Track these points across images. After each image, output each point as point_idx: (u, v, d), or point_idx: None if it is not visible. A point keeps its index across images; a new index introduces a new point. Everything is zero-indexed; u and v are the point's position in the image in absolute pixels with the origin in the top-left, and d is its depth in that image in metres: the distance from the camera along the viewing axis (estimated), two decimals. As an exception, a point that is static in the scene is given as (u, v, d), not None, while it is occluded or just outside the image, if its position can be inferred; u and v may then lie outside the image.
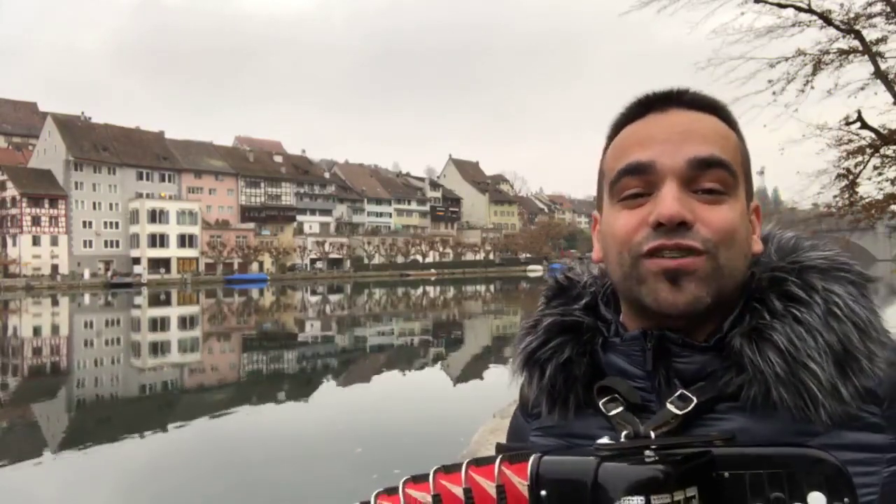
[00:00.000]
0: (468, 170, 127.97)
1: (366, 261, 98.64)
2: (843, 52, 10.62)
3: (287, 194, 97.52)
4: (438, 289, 65.04)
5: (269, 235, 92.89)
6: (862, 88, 10.54)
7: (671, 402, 0.69)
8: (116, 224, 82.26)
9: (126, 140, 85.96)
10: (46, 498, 8.60)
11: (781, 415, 0.66)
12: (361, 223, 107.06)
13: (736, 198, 0.72)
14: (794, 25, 10.45)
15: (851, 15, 10.28)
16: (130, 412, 13.56)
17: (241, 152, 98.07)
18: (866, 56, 10.32)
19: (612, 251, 0.75)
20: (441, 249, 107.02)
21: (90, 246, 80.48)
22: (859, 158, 11.03)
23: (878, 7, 10.24)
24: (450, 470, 0.68)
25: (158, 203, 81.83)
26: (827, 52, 10.64)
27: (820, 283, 0.69)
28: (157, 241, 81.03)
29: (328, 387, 16.06)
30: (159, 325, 34.25)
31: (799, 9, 10.33)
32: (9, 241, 76.25)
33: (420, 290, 61.85)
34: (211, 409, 13.06)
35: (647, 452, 0.61)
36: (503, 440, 0.83)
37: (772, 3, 10.35)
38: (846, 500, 0.57)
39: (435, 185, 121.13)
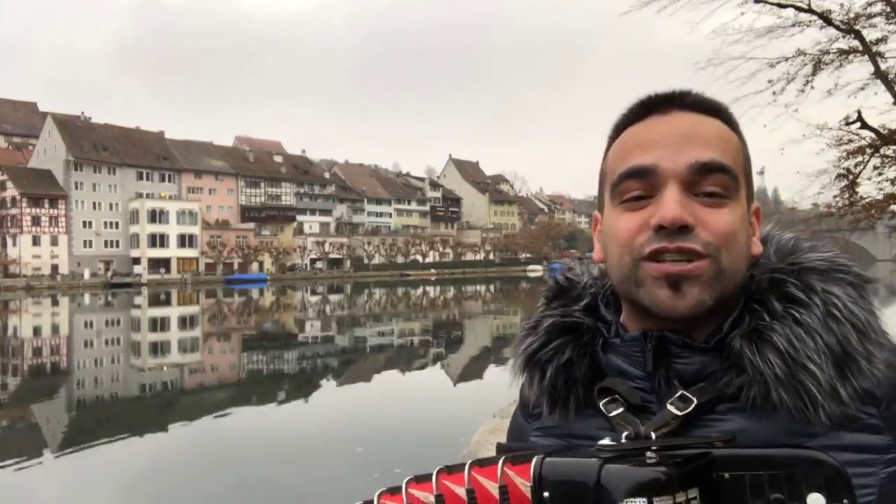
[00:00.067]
0: (468, 170, 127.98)
1: (366, 261, 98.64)
2: (843, 52, 10.62)
3: (287, 194, 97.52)
4: (438, 289, 65.03)
5: (269, 235, 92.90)
6: (862, 88, 10.55)
7: (671, 403, 0.69)
8: (116, 224, 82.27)
9: (126, 140, 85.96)
10: (46, 498, 8.60)
11: (781, 416, 0.66)
12: (361, 223, 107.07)
13: (737, 201, 0.72)
14: (794, 25, 10.45)
15: (851, 15, 10.28)
16: (130, 412, 13.56)
17: (241, 152, 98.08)
18: (866, 56, 10.32)
19: (612, 252, 0.75)
20: (441, 249, 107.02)
21: (90, 246, 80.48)
22: (859, 158, 11.03)
23: (878, 7, 10.24)
24: (452, 470, 0.68)
25: (158, 203, 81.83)
26: (827, 52, 10.64)
27: (819, 285, 0.70)
28: (157, 241, 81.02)
29: (328, 387, 16.06)
30: (159, 325, 34.25)
31: (799, 9, 10.33)
32: (9, 241, 76.25)
33: (420, 290, 61.84)
34: (211, 409, 13.06)
35: (649, 454, 0.61)
36: (503, 440, 0.84)
37: (772, 3, 10.35)
38: (845, 501, 0.58)
39: (435, 185, 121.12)
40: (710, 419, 0.69)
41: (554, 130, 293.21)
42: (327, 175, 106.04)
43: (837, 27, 10.40)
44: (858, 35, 10.29)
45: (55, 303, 51.95)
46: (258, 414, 13.21)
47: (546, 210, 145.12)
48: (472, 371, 17.53)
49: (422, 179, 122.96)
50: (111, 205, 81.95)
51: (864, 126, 10.71)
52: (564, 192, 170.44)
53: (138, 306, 47.53)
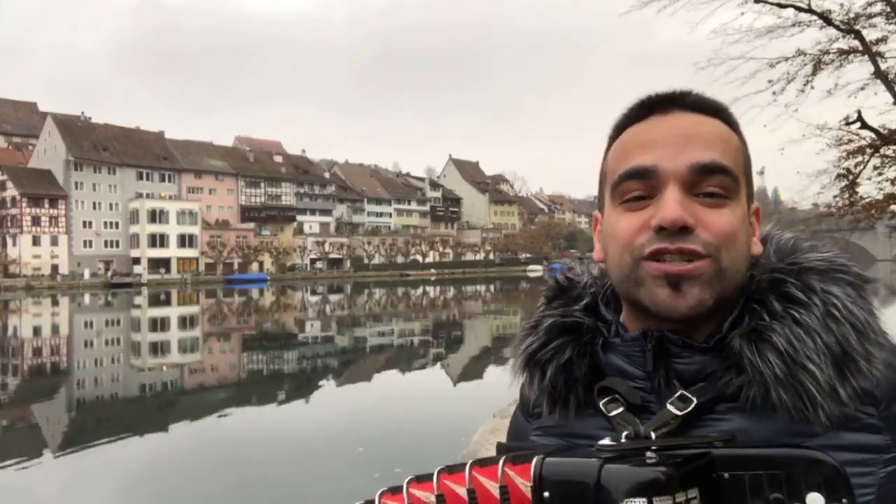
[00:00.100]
0: (468, 170, 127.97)
1: (366, 261, 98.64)
2: (843, 52, 10.61)
3: (287, 194, 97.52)
4: (438, 289, 65.03)
5: (269, 235, 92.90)
6: (862, 88, 10.54)
7: (671, 403, 0.69)
8: (116, 224, 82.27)
9: (126, 140, 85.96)
10: (46, 498, 8.60)
11: (780, 416, 0.66)
12: (361, 223, 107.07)
13: (737, 201, 0.72)
14: (794, 25, 10.45)
15: (851, 15, 10.28)
16: (130, 412, 13.56)
17: (241, 152, 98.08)
18: (866, 56, 10.31)
19: (613, 252, 0.75)
20: (441, 249, 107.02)
21: (90, 246, 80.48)
22: (859, 158, 11.02)
23: (878, 7, 10.24)
24: (453, 470, 0.69)
25: (158, 203, 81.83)
26: (827, 52, 10.64)
27: (819, 285, 0.70)
28: (157, 241, 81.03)
29: (328, 387, 16.06)
30: (159, 325, 34.25)
31: (799, 9, 10.32)
32: (9, 241, 76.25)
33: (420, 290, 61.84)
34: (211, 409, 13.07)
35: (649, 454, 0.62)
36: (503, 440, 0.83)
37: (772, 3, 10.35)
38: (844, 500, 0.58)
39: (435, 185, 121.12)
40: (710, 419, 0.69)
41: (554, 130, 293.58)
42: (327, 175, 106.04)
43: (837, 27, 10.39)
44: (858, 35, 10.29)
45: (55, 303, 51.95)
46: (258, 414, 13.21)
47: (546, 210, 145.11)
48: (472, 371, 17.53)
49: (422, 179, 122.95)
50: (111, 205, 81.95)
51: (864, 126, 10.71)
52: (564, 192, 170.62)
53: (138, 306, 47.53)
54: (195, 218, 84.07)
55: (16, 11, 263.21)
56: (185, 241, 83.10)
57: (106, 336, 28.90)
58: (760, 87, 10.57)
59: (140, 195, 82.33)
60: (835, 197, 11.44)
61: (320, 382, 16.59)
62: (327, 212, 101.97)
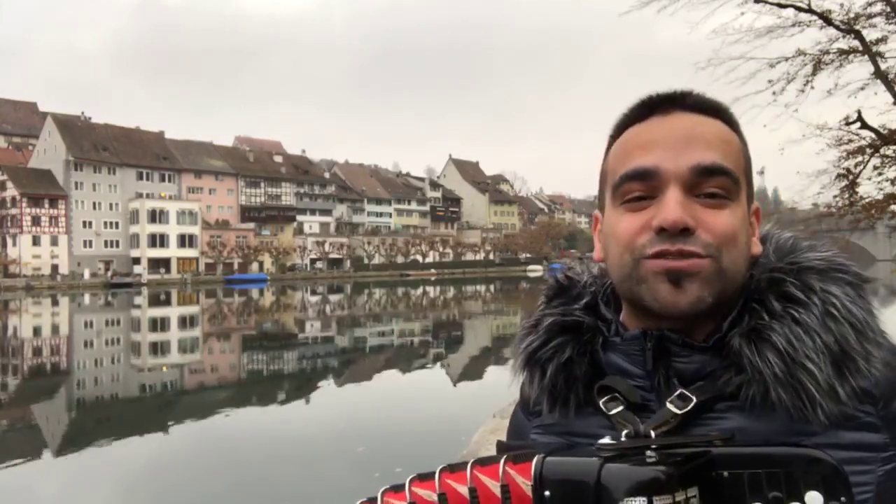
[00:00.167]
0: (468, 170, 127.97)
1: (366, 261, 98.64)
2: (843, 52, 10.61)
3: (287, 194, 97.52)
4: (438, 289, 65.04)
5: (269, 235, 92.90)
6: (862, 88, 10.53)
7: (671, 402, 0.70)
8: (116, 224, 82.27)
9: (126, 140, 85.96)
10: (46, 498, 8.60)
11: (779, 414, 0.67)
12: (361, 223, 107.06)
13: (738, 202, 0.73)
14: (794, 25, 10.44)
15: (851, 15, 10.27)
16: (130, 412, 13.57)
17: (241, 152, 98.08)
18: (866, 56, 10.30)
19: (613, 252, 0.76)
20: (441, 249, 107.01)
21: (90, 246, 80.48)
22: (859, 158, 11.01)
23: (878, 7, 10.23)
24: (455, 469, 0.69)
25: (158, 203, 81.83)
26: (827, 52, 10.63)
27: (818, 284, 0.70)
28: (157, 241, 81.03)
29: (329, 386, 16.06)
30: (159, 325, 34.26)
31: (799, 9, 10.32)
32: (9, 241, 76.24)
33: (420, 290, 61.85)
34: (211, 409, 13.07)
35: (649, 453, 0.62)
36: (504, 439, 0.84)
37: (772, 3, 10.34)
38: (843, 499, 0.58)
39: (435, 185, 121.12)
40: (710, 418, 0.69)
41: (554, 130, 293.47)
42: (327, 175, 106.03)
43: (837, 27, 10.39)
44: (858, 35, 10.28)
45: (55, 303, 51.96)
46: (259, 414, 13.22)
47: (546, 210, 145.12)
48: (472, 371, 17.53)
49: (422, 179, 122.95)
50: (111, 205, 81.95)
51: (864, 126, 10.70)
52: (564, 192, 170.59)
53: (138, 306, 47.53)
54: (195, 218, 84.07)
55: (16, 11, 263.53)
56: (185, 241, 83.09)
57: (106, 336, 28.90)
58: (760, 87, 10.56)
59: (140, 195, 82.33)
60: (835, 197, 11.44)
61: (320, 382, 16.59)
62: (327, 212, 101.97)
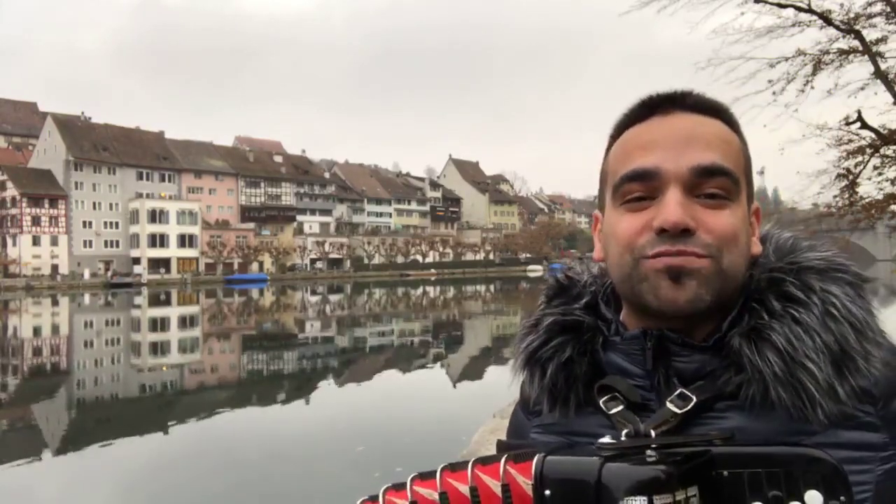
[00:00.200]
0: (468, 170, 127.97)
1: (366, 261, 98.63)
2: (843, 52, 10.61)
3: (287, 194, 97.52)
4: (438, 289, 65.04)
5: (269, 235, 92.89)
6: (862, 88, 10.53)
7: (671, 401, 0.70)
8: (116, 224, 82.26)
9: (126, 140, 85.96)
10: (46, 498, 8.60)
11: (779, 414, 0.67)
12: (361, 223, 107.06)
13: (738, 202, 0.73)
14: (794, 25, 10.44)
15: (851, 15, 10.27)
16: (130, 412, 13.57)
17: (241, 152, 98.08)
18: (866, 56, 10.30)
19: (613, 252, 0.76)
20: (441, 249, 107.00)
21: (90, 246, 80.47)
22: (859, 158, 11.01)
23: (878, 7, 10.23)
24: (456, 468, 0.69)
25: (158, 203, 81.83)
26: (827, 52, 10.63)
27: (818, 284, 0.70)
28: (157, 241, 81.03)
29: (329, 386, 16.07)
30: (159, 325, 34.26)
31: (799, 9, 10.32)
32: (9, 241, 76.24)
33: (420, 290, 61.85)
34: (211, 409, 13.07)
35: (649, 452, 0.62)
36: (504, 439, 0.84)
37: (772, 3, 10.34)
38: (842, 498, 0.58)
39: (435, 185, 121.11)
40: (710, 417, 0.70)
41: (554, 130, 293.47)
42: (327, 175, 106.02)
43: (837, 27, 10.39)
44: (858, 35, 10.28)
45: (55, 303, 51.96)
46: (259, 413, 13.22)
47: (546, 210, 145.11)
48: (472, 371, 17.54)
49: (422, 179, 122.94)
50: (111, 205, 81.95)
51: (864, 126, 10.70)
52: (564, 192, 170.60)
53: (138, 306, 47.53)
54: (195, 218, 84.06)
55: (16, 11, 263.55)
56: (185, 241, 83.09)
57: (106, 336, 28.90)
58: (760, 87, 10.56)
59: (140, 195, 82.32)
60: (835, 197, 11.44)
61: (321, 382, 16.60)
62: (327, 212, 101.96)
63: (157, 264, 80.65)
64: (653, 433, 0.68)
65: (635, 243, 0.72)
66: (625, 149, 0.76)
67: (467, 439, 6.22)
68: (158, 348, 24.29)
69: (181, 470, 9.30)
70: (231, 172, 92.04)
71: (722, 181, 0.71)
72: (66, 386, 16.99)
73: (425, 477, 0.70)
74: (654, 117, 0.75)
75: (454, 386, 15.79)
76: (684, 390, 0.70)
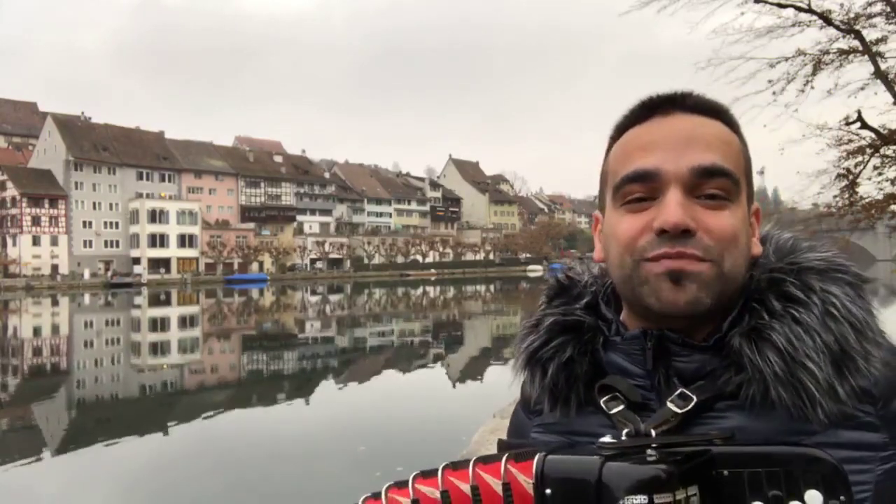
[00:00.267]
0: (468, 170, 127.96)
1: (366, 261, 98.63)
2: (843, 52, 10.61)
3: (287, 194, 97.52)
4: (438, 289, 65.04)
5: (269, 235, 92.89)
6: (862, 88, 10.53)
7: (671, 401, 0.70)
8: (116, 224, 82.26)
9: (126, 140, 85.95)
10: (46, 498, 8.60)
11: (779, 413, 0.67)
12: (361, 223, 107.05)
13: (738, 203, 0.73)
14: (794, 25, 10.44)
15: (851, 15, 10.27)
16: (130, 412, 13.57)
17: (241, 152, 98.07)
18: (866, 56, 10.31)
19: (613, 253, 0.76)
20: (441, 249, 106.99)
21: (90, 246, 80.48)
22: (859, 158, 11.02)
23: (878, 7, 10.23)
24: (458, 467, 0.70)
25: (158, 203, 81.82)
26: (827, 52, 10.63)
27: (818, 284, 0.71)
28: (157, 241, 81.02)
29: (329, 386, 16.07)
30: (159, 325, 34.26)
31: (799, 9, 10.32)
32: (9, 241, 76.23)
33: (420, 290, 61.85)
34: (212, 409, 13.08)
35: (649, 451, 0.62)
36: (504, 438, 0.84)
37: (772, 3, 10.34)
38: (842, 497, 0.59)
39: (435, 185, 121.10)
40: (710, 417, 0.70)
41: (554, 130, 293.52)
42: (327, 175, 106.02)
43: (837, 27, 10.39)
44: (858, 35, 10.28)
45: (55, 303, 51.96)
46: (259, 413, 13.23)
47: (546, 210, 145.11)
48: (472, 371, 17.54)
49: (422, 179, 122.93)
50: (111, 205, 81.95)
51: (864, 126, 10.70)
52: (564, 192, 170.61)
53: (138, 306, 47.54)
54: (195, 218, 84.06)
55: (16, 11, 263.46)
56: (185, 241, 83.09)
57: (106, 336, 28.91)
58: (760, 87, 10.57)
59: (140, 195, 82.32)
60: (835, 197, 11.44)
61: (321, 382, 16.60)
62: (327, 212, 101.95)
63: (157, 264, 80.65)
64: (653, 433, 0.68)
65: (636, 244, 0.72)
66: (625, 150, 0.76)
67: (467, 439, 6.23)
68: (158, 348, 24.29)
69: (181, 470, 9.30)
70: (231, 172, 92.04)
71: (722, 182, 0.72)
72: (66, 386, 17.00)
73: (427, 475, 0.70)
74: (655, 118, 0.76)
75: (454, 386, 15.79)
76: (685, 390, 0.71)
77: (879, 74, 10.22)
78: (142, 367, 20.00)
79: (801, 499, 0.59)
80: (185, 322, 35.66)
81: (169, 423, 12.00)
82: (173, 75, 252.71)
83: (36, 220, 76.30)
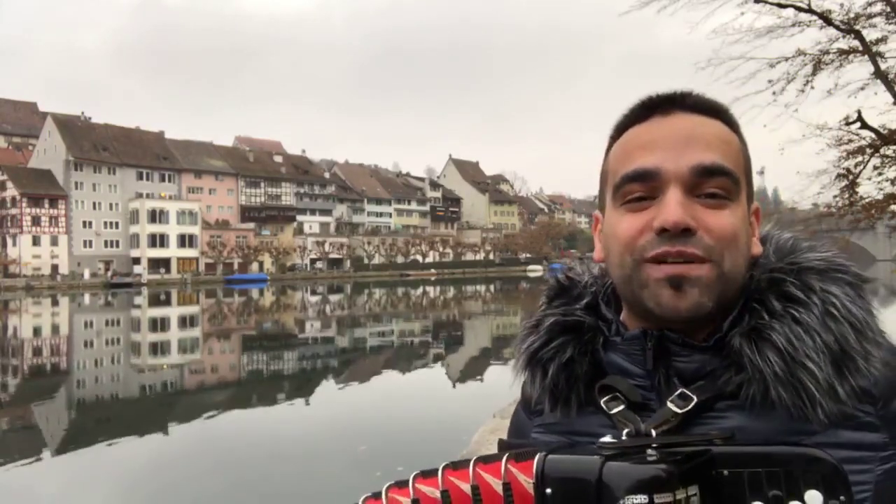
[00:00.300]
0: (468, 170, 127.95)
1: (366, 261, 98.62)
2: (843, 52, 10.61)
3: (287, 194, 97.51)
4: (438, 289, 65.03)
5: (269, 235, 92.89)
6: (862, 88, 10.53)
7: (671, 401, 0.70)
8: (116, 224, 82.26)
9: (126, 140, 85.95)
10: (46, 498, 8.60)
11: (779, 413, 0.67)
12: (361, 223, 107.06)
13: (738, 202, 0.73)
14: (794, 25, 10.44)
15: (851, 15, 10.27)
16: (130, 412, 13.57)
17: (241, 152, 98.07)
18: (866, 56, 10.31)
19: (614, 253, 0.76)
20: (441, 249, 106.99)
21: (90, 246, 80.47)
22: (859, 158, 11.02)
23: (878, 7, 10.23)
24: (458, 466, 0.70)
25: (158, 203, 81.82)
26: (827, 52, 10.63)
27: (818, 284, 0.71)
28: (157, 241, 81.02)
29: (329, 386, 16.07)
30: (159, 325, 34.26)
31: (799, 9, 10.32)
32: (9, 241, 76.24)
33: (420, 290, 61.85)
34: (212, 409, 13.07)
35: (649, 451, 0.62)
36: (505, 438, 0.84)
37: (772, 3, 10.34)
38: (842, 497, 0.59)
39: (435, 185, 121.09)
40: (710, 417, 0.70)
41: (554, 130, 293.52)
42: (327, 175, 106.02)
43: (837, 27, 10.39)
44: (858, 35, 10.28)
45: (55, 303, 51.95)
46: (259, 413, 13.23)
47: (546, 210, 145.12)
48: (472, 371, 17.54)
49: (422, 179, 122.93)
50: (111, 205, 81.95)
51: (864, 126, 10.70)
52: (564, 192, 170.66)
53: (138, 306, 47.54)
54: (195, 218, 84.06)
55: (16, 11, 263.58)
56: (185, 241, 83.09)
57: (106, 336, 28.91)
58: (760, 87, 10.57)
59: (140, 195, 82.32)
60: (835, 197, 11.45)
61: (321, 382, 16.60)
62: (327, 212, 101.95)
63: (157, 264, 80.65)
64: (653, 433, 0.68)
65: (636, 243, 0.72)
66: (625, 149, 0.76)
67: (468, 439, 6.23)
68: (158, 348, 24.29)
69: (181, 470, 9.30)
70: (231, 172, 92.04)
71: (722, 181, 0.72)
72: (66, 386, 17.00)
73: (427, 475, 0.70)
74: (655, 118, 0.76)
75: (454, 386, 15.79)
76: (685, 390, 0.71)
77: (879, 74, 10.22)
78: (142, 367, 20.00)
79: (801, 499, 0.59)
80: (185, 322, 35.66)
81: (169, 423, 12.00)
82: (173, 75, 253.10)
83: (36, 220, 76.31)
